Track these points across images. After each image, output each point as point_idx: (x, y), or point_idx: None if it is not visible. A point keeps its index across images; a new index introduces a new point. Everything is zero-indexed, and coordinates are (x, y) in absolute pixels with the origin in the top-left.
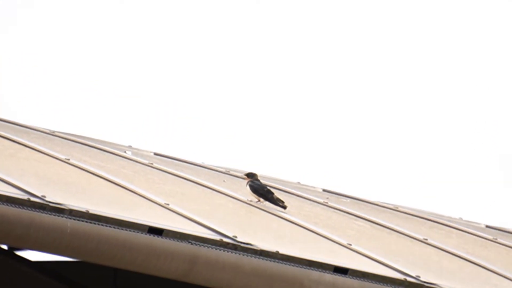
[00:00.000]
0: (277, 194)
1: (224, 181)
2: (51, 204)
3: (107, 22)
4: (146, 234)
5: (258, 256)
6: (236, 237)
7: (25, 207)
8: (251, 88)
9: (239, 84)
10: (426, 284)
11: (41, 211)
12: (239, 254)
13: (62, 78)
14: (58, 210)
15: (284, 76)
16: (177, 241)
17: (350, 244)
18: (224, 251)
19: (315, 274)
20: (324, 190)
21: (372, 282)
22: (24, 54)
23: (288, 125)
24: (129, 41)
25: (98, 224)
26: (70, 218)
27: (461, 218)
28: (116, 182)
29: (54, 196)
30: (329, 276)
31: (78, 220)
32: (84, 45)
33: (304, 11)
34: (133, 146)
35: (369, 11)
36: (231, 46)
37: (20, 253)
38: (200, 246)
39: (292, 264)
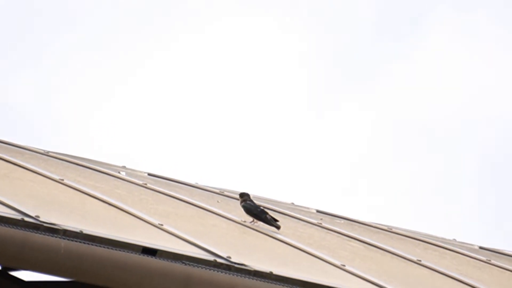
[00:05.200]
0: (271, 214)
1: (218, 201)
2: (45, 224)
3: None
4: (140, 254)
5: (252, 277)
6: (230, 257)
7: (19, 227)
8: (245, 110)
9: (231, 106)
10: None
11: (35, 231)
12: (233, 274)
13: (56, 98)
14: (52, 230)
15: (279, 98)
16: (171, 261)
17: (344, 265)
18: (218, 271)
19: None
20: (318, 211)
21: None
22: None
23: (281, 147)
24: (113, 65)
25: (92, 245)
26: (64, 238)
27: (454, 239)
28: (110, 203)
29: (48, 216)
30: None
31: (72, 240)
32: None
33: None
34: (127, 167)
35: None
36: (226, 66)
37: (13, 273)
38: (194, 266)
39: (286, 284)
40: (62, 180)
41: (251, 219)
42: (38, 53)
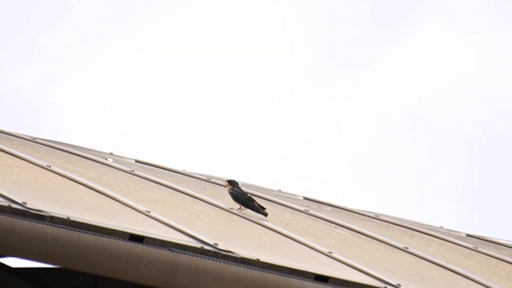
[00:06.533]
0: (258, 201)
1: (205, 188)
2: (32, 211)
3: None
4: (127, 241)
5: (239, 264)
6: (217, 244)
7: (6, 214)
8: (233, 97)
9: (219, 93)
10: None
11: (22, 217)
12: (220, 261)
13: (43, 83)
14: (39, 217)
15: (268, 86)
16: (158, 248)
17: (331, 252)
18: (205, 258)
19: (295, 282)
20: (305, 198)
21: None
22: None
23: (267, 134)
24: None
25: (79, 231)
26: (51, 225)
27: (441, 227)
28: (97, 189)
29: (35, 203)
30: (309, 284)
31: (59, 227)
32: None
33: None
34: (114, 153)
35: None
36: (218, 49)
37: (0, 259)
38: (181, 253)
39: (273, 272)
40: (49, 166)
41: (238, 206)
42: (35, 45)
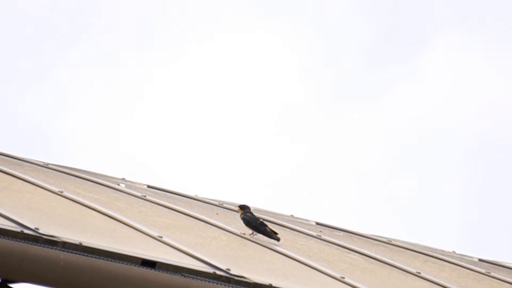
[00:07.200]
0: (270, 226)
1: (217, 213)
2: (44, 237)
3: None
4: (139, 266)
5: None
6: (229, 269)
7: (18, 240)
8: (245, 122)
9: (232, 118)
10: None
11: (34, 243)
12: (232, 287)
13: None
14: (51, 242)
15: (279, 112)
16: (170, 273)
17: (343, 277)
18: (217, 284)
19: None
20: (317, 223)
21: None
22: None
23: (280, 159)
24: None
25: (91, 257)
26: (63, 251)
27: (454, 252)
28: (110, 215)
29: (47, 229)
30: None
31: (71, 252)
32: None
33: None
34: (126, 179)
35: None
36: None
37: (13, 285)
38: (193, 279)
39: None
40: (62, 192)
41: (250, 231)
42: (46, 69)
